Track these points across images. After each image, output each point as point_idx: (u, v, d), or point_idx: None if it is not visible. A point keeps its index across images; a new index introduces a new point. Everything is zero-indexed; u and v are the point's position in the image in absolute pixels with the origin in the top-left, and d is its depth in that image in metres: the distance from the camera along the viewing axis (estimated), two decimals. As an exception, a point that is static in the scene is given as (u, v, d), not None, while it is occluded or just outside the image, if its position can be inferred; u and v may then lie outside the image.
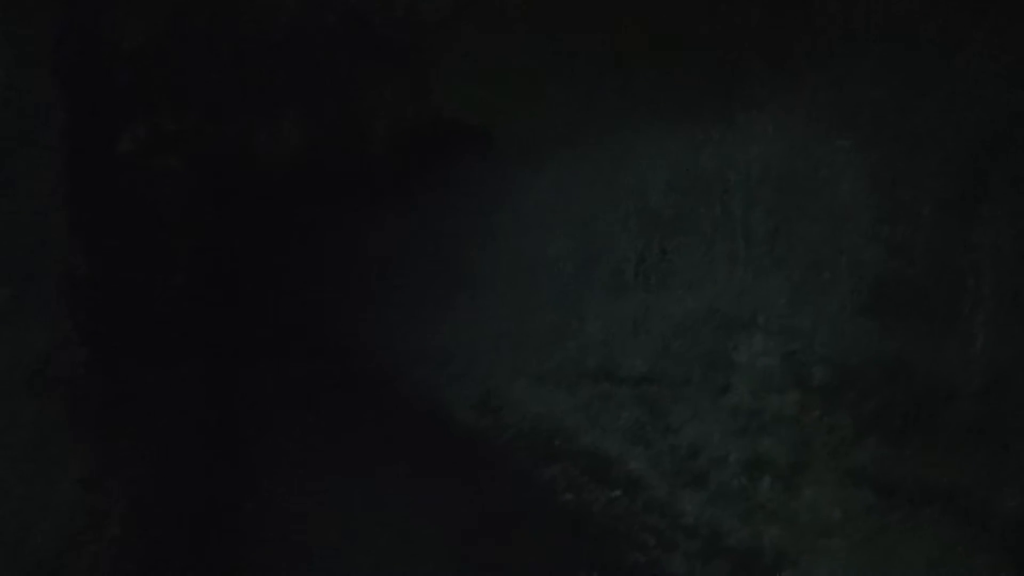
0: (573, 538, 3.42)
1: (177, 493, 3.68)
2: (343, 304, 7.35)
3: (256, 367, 6.27)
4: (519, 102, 5.28)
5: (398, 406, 5.07)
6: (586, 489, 3.72)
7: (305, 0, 5.57)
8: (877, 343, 3.30)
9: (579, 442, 4.10)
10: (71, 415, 3.44)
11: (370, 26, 5.65)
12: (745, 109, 3.78)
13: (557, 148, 5.09)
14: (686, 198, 4.15)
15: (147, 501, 3.43)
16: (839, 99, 3.37)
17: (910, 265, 3.19)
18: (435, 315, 6.00)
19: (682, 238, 4.18)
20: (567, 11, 4.50)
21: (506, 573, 3.12)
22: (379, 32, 5.74)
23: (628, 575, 3.13)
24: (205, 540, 3.40)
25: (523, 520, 3.51)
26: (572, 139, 4.95)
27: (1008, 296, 2.79)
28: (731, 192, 3.89)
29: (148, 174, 7.46)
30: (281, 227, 8.36)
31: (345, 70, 6.37)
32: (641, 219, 4.45)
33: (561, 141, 5.04)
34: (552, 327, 4.92)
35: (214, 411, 5.09)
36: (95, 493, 3.30)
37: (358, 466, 4.04)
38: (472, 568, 3.11)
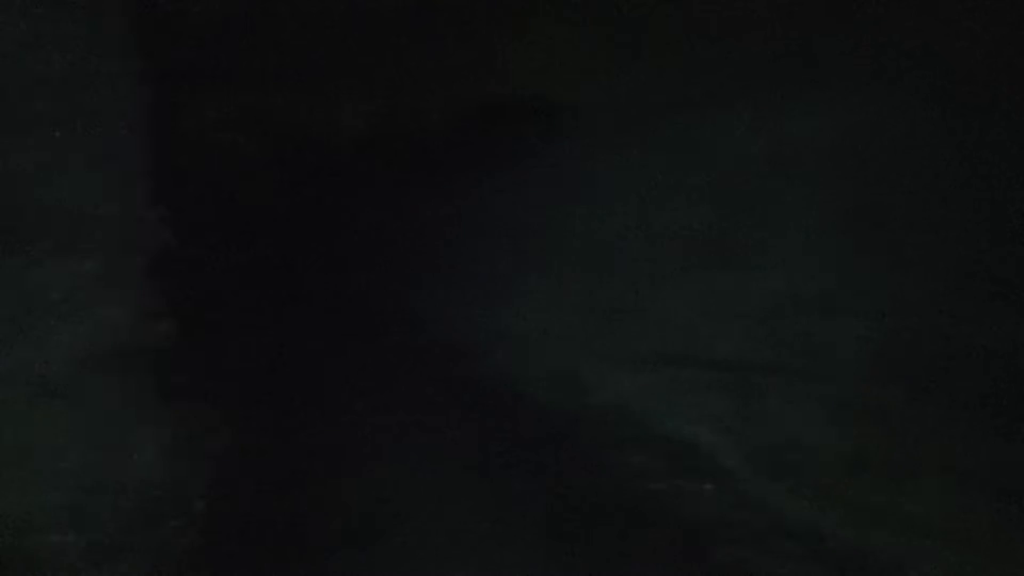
0: (657, 530, 3.27)
1: (258, 465, 3.69)
2: (411, 282, 7.23)
3: (325, 342, 6.05)
4: (589, 76, 5.06)
5: (470, 386, 4.82)
6: (674, 479, 3.55)
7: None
8: (978, 331, 3.03)
9: (664, 430, 3.92)
10: (157, 387, 3.49)
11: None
12: (824, 83, 3.50)
13: (630, 123, 4.84)
14: (766, 174, 3.93)
15: (230, 473, 3.46)
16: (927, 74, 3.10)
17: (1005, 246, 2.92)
18: (506, 294, 5.83)
19: (763, 216, 3.94)
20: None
21: (588, 563, 3.00)
22: (446, 4, 5.63)
23: (717, 573, 2.96)
24: (284, 512, 3.36)
25: (604, 509, 3.37)
26: (646, 114, 4.71)
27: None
28: (813, 168, 3.67)
29: (220, 150, 7.53)
30: (348, 204, 8.26)
31: (412, 44, 6.22)
32: (718, 196, 4.22)
33: (634, 115, 4.79)
34: (629, 307, 4.72)
35: (289, 384, 5.05)
36: (179, 465, 3.32)
37: (429, 446, 3.94)
38: (555, 557, 3.00)
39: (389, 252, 7.78)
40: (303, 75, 6.85)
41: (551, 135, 5.55)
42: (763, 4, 3.96)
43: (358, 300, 7.50)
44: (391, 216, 7.72)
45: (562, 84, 5.33)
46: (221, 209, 7.21)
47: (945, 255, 3.28)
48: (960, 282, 3.17)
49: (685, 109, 4.40)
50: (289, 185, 8.02)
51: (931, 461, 3.19)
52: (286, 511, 3.32)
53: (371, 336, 6.16)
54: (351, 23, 6.13)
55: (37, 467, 3.00)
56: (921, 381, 3.31)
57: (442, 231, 6.75)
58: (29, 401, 3.13)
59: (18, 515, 2.83)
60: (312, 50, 6.40)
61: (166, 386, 3.74)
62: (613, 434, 4.11)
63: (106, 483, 2.96)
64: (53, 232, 3.48)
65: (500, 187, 6.12)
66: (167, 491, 3.06)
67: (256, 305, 6.63)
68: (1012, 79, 3.41)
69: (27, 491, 2.92)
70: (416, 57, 6.26)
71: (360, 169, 7.66)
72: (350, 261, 8.05)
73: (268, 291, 7.42)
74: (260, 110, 7.15)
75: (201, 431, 3.61)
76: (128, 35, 4.35)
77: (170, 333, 4.13)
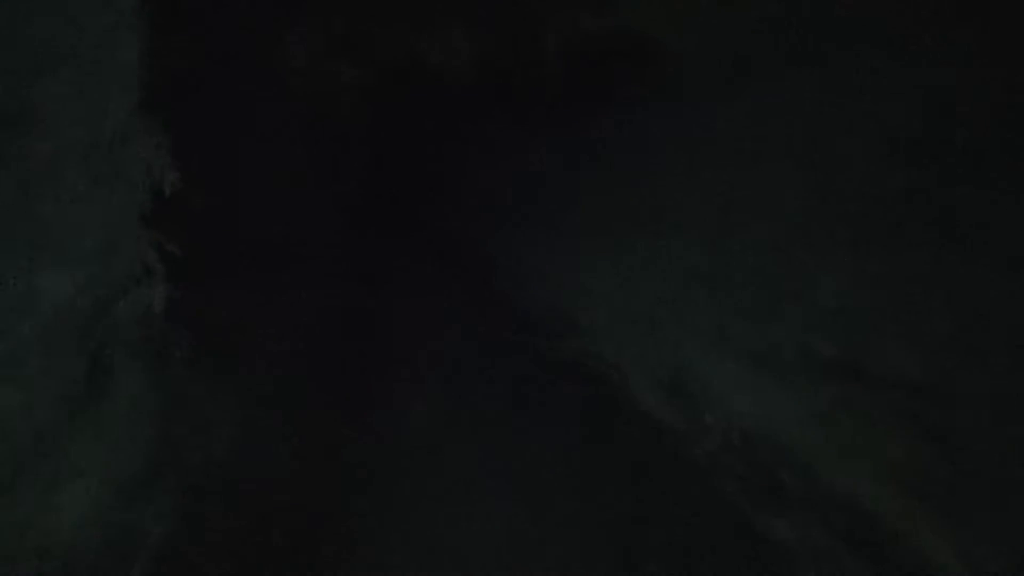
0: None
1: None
2: (502, 233, 6.43)
3: (401, 286, 5.99)
4: (708, 19, 4.67)
5: (555, 371, 4.13)
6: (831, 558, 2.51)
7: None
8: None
9: (819, 477, 2.86)
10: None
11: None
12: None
13: (754, 74, 4.23)
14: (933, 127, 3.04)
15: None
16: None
17: None
18: (606, 261, 4.93)
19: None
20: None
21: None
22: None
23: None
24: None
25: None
26: (771, 65, 4.09)
27: None
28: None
29: (319, 79, 7.52)
30: (446, 144, 7.84)
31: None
32: (882, 152, 3.28)
33: (756, 66, 4.22)
34: (765, 291, 3.68)
35: (355, 331, 4.82)
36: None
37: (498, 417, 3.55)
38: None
39: (477, 194, 7.29)
40: (407, 6, 6.94)
41: (666, 82, 5.09)
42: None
43: (439, 239, 7.38)
44: (484, 157, 7.23)
45: (680, 28, 4.98)
46: (318, 142, 7.17)
47: None
48: None
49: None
50: (386, 120, 7.83)
51: None
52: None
53: (445, 279, 6.13)
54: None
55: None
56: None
57: (539, 181, 6.57)
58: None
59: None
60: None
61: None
62: (744, 472, 3.12)
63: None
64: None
65: (608, 138, 5.60)
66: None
67: (341, 233, 6.98)
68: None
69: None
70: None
71: (458, 109, 7.27)
72: (437, 198, 7.72)
73: (355, 220, 7.48)
74: (364, 40, 7.31)
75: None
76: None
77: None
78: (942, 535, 2.36)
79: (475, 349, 4.42)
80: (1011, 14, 3.02)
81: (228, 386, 3.49)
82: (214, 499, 2.75)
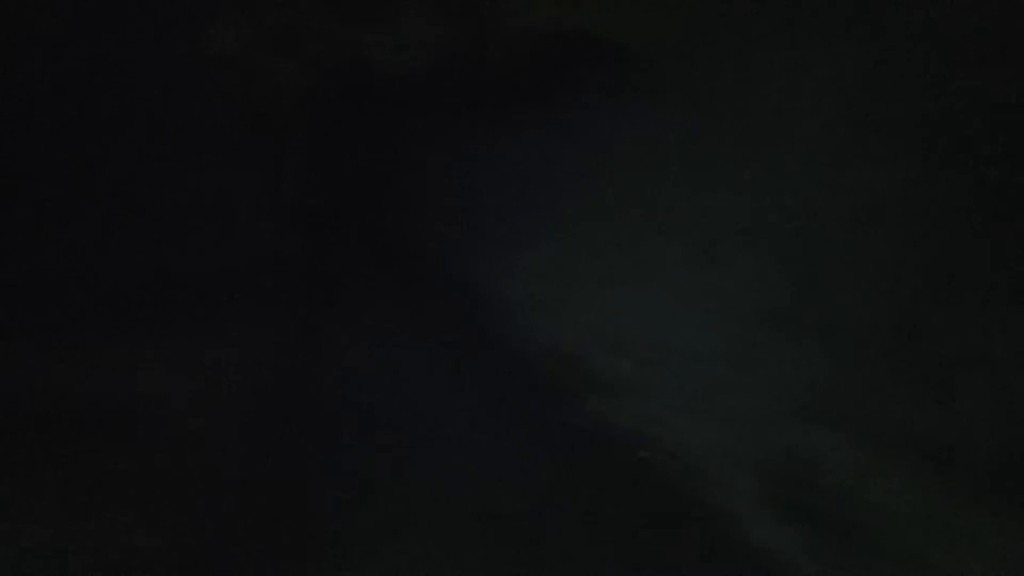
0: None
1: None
2: (453, 230, 6.26)
3: (352, 283, 5.65)
4: (671, 18, 4.53)
5: (521, 378, 3.80)
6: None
7: None
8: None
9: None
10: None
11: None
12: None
13: (715, 76, 4.05)
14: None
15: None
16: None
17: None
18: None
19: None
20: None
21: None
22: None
23: None
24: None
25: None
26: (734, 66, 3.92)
27: None
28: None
29: (252, 75, 6.87)
30: (392, 140, 7.50)
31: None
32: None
33: (697, 65, 4.12)
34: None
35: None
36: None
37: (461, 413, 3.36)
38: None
39: (428, 190, 6.92)
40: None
41: (621, 83, 4.90)
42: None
43: (389, 235, 6.71)
44: (433, 152, 6.87)
45: (640, 26, 4.80)
46: (251, 141, 6.62)
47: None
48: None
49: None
50: (327, 116, 7.47)
51: None
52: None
53: (397, 272, 5.76)
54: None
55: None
56: None
57: (489, 177, 6.15)
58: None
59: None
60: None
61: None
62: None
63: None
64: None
65: (560, 134, 5.35)
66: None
67: (284, 243, 6.34)
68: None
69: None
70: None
71: (406, 104, 6.85)
72: (387, 196, 7.32)
73: (295, 230, 6.73)
74: (300, 33, 6.82)
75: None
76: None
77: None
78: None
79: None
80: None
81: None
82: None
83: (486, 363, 4.09)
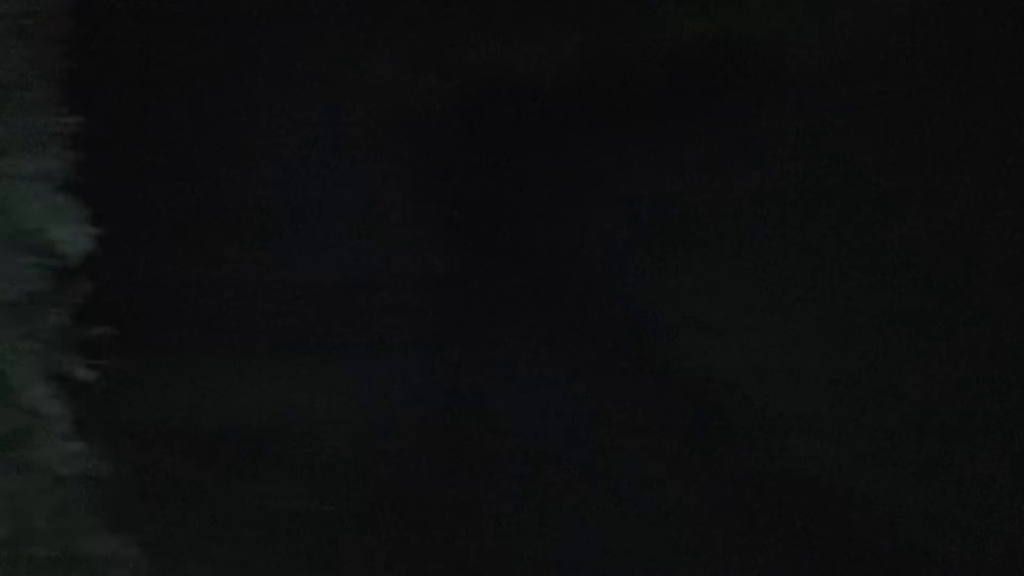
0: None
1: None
2: (606, 249, 5.80)
3: (501, 303, 5.22)
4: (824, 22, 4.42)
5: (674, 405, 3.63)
6: None
7: None
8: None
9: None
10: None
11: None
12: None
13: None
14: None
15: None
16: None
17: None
18: (719, 282, 4.40)
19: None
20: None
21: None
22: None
23: None
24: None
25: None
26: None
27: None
28: None
29: (403, 94, 6.74)
30: (544, 154, 7.43)
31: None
32: None
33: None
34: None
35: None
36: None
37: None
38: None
39: (584, 207, 6.81)
40: (501, 11, 6.25)
41: (778, 91, 4.70)
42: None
43: (545, 256, 6.65)
44: (587, 165, 6.79)
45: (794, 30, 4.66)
46: (404, 159, 7.01)
47: None
48: None
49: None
50: (477, 131, 7.58)
51: None
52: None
53: (552, 297, 5.33)
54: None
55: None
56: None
57: (647, 193, 5.59)
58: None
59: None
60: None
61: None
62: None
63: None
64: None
65: (718, 148, 5.08)
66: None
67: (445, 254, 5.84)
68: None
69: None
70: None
71: (561, 113, 6.87)
72: (542, 213, 7.26)
73: (459, 240, 6.88)
74: (448, 49, 6.51)
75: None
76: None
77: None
78: None
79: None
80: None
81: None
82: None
83: (652, 391, 3.92)
